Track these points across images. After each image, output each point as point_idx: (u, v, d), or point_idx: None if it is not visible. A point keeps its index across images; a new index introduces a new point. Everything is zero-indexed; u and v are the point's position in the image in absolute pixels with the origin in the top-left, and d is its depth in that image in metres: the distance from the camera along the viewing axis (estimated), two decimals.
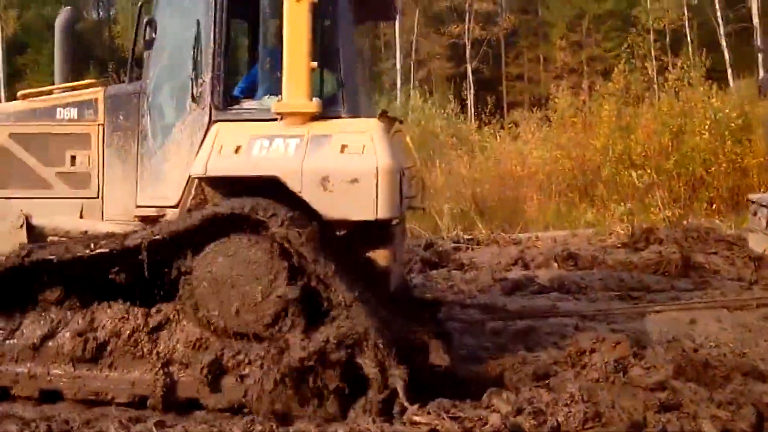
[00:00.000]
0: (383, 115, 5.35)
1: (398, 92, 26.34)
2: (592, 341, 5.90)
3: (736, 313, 7.00)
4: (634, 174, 13.17)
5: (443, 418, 4.53)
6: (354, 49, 5.54)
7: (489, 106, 22.34)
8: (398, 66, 34.99)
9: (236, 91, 5.61)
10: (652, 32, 31.26)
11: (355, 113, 5.25)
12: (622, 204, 12.70)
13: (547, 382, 5.20)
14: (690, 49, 27.54)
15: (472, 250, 11.03)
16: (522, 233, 12.33)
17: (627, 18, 33.57)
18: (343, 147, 4.93)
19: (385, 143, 4.95)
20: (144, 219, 5.28)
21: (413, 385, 4.72)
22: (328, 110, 5.16)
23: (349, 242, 5.21)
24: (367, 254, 5.20)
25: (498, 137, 19.12)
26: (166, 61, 5.46)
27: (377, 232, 5.15)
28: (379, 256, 5.20)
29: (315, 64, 5.07)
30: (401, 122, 6.20)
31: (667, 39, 31.96)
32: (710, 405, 4.62)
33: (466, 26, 37.12)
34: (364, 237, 5.17)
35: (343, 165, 4.87)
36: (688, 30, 31.81)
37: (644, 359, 5.39)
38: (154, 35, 5.41)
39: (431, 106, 18.55)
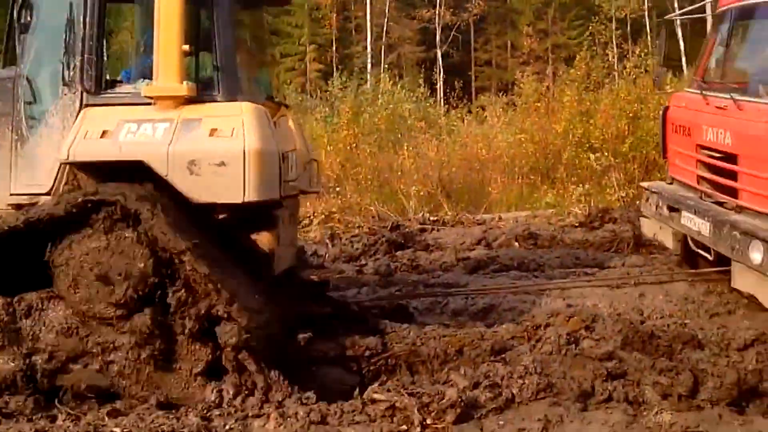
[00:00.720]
0: (270, 100, 5.32)
1: (368, 75, 26.29)
2: (547, 316, 6.12)
3: (681, 286, 7.22)
4: (592, 157, 13.40)
5: (402, 395, 4.67)
6: (234, 33, 5.39)
7: (457, 91, 22.44)
8: (368, 49, 34.94)
9: (123, 76, 5.51)
10: (614, 21, 31.61)
11: (233, 97, 5.13)
12: (580, 185, 12.93)
13: (503, 356, 5.39)
14: (649, 37, 27.89)
15: (438, 231, 11.16)
16: (486, 214, 12.51)
17: (591, 7, 33.89)
18: (213, 130, 4.89)
19: (257, 126, 4.92)
20: (18, 207, 5.12)
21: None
22: (203, 94, 5.11)
23: (231, 226, 5.17)
24: (250, 237, 5.17)
25: (465, 121, 19.26)
26: (41, 45, 5.31)
27: (259, 215, 5.15)
28: (262, 240, 5.19)
29: (187, 47, 5.01)
30: (287, 107, 6.17)
31: (628, 28, 32.33)
32: (653, 372, 4.85)
33: (437, 11, 37.12)
34: (247, 220, 5.15)
35: (210, 148, 4.84)
36: (647, 20, 32.19)
37: (594, 332, 5.60)
38: (29, 18, 5.27)
39: (401, 90, 18.60)
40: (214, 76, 5.21)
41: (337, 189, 13.27)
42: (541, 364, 5.02)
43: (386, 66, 30.94)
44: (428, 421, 4.50)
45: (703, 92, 6.86)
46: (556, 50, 39.20)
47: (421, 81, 20.49)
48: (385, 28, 37.62)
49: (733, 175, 6.28)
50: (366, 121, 16.05)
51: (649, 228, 7.84)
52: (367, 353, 5.44)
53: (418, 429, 4.41)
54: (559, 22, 40.90)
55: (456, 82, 24.21)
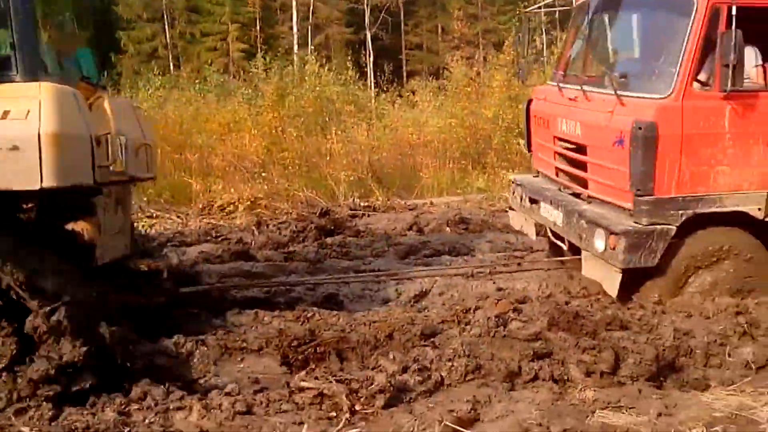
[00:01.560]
0: (86, 81, 5.21)
1: (294, 57, 26.16)
2: (477, 299, 6.34)
3: None
4: (521, 142, 13.74)
5: (330, 382, 4.76)
6: (33, 8, 5.08)
7: (387, 74, 22.58)
8: (295, 30, 34.73)
9: None
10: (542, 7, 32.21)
11: (33, 77, 4.85)
12: (510, 170, 13.29)
13: (433, 340, 5.56)
14: None
15: (369, 216, 11.31)
16: (417, 199, 12.73)
17: None
18: (6, 113, 4.65)
19: (56, 108, 4.68)
20: None
21: None
22: None
23: (45, 214, 5.08)
24: (69, 226, 5.08)
25: (396, 105, 19.44)
26: None
27: (75, 203, 5.07)
28: (81, 228, 5.11)
29: None
30: (105, 88, 6.05)
31: (557, 14, 32.98)
32: (577, 351, 5.09)
33: None
34: (64, 208, 5.07)
35: (1, 132, 4.59)
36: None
37: (522, 313, 5.84)
38: None
39: (328, 72, 18.63)
40: (11, 54, 4.90)
41: (263, 174, 13.25)
42: (469, 347, 5.21)
43: (313, 47, 30.87)
44: (357, 407, 4.61)
45: (559, 84, 7.20)
46: (486, 35, 39.81)
47: (349, 63, 20.51)
48: (311, 8, 37.45)
49: (584, 166, 6.66)
50: (292, 104, 16.03)
51: (515, 220, 8.16)
52: (295, 342, 5.53)
53: (347, 415, 4.51)
54: (489, 7, 41.53)
55: (386, 66, 24.37)
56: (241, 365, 5.35)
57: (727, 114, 5.94)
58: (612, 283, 6.12)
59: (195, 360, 5.33)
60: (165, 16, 39.71)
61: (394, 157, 14.77)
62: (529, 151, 8.26)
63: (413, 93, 20.88)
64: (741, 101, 5.94)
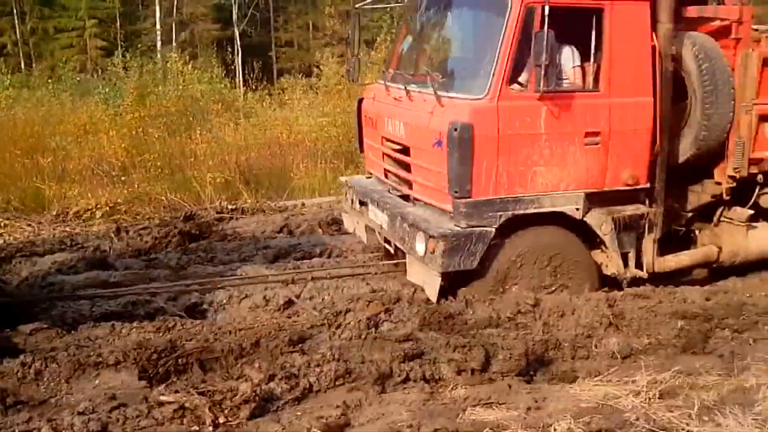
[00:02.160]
0: None
1: (158, 54, 25.39)
2: (348, 302, 6.30)
3: None
4: None
5: (192, 394, 4.62)
6: None
7: (257, 72, 22.27)
8: (158, 26, 33.72)
9: None
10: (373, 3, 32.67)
11: None
12: None
13: (302, 345, 5.47)
14: None
15: (237, 219, 11.06)
16: (288, 200, 12.56)
17: None
18: None
19: None
20: None
21: None
22: None
23: None
24: None
25: (265, 104, 19.18)
26: None
27: None
28: None
29: None
30: None
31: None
32: (448, 350, 5.14)
33: None
34: None
35: None
36: None
37: (394, 315, 5.85)
38: None
39: (192, 70, 18.14)
40: None
41: (123, 178, 12.73)
42: (339, 351, 5.17)
43: (177, 45, 30.07)
44: (221, 419, 4.48)
45: (387, 83, 7.27)
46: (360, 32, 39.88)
47: (216, 61, 20.07)
48: (175, 4, 36.47)
49: (410, 168, 6.76)
50: (153, 103, 15.50)
51: (348, 222, 8.23)
52: (155, 355, 5.31)
53: (210, 428, 4.38)
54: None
55: (255, 63, 24.01)
56: (97, 381, 5.07)
57: (543, 115, 6.11)
58: (432, 288, 6.18)
59: (45, 379, 5.02)
60: (14, 11, 37.59)
61: (264, 157, 14.52)
62: (362, 151, 8.27)
63: (284, 91, 20.69)
64: (556, 102, 6.12)
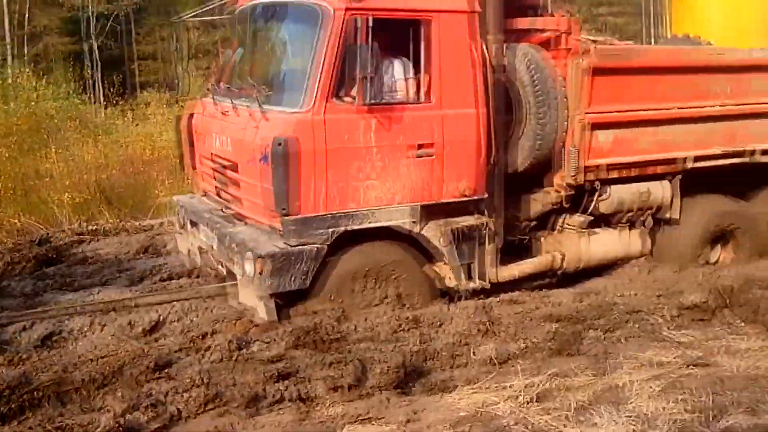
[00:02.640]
0: None
1: (8, 69, 24.09)
2: (213, 322, 6.10)
3: None
4: None
5: (48, 430, 4.38)
6: None
7: (116, 86, 21.56)
8: (7, 39, 32.03)
9: None
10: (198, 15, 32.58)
11: None
12: None
13: (168, 371, 5.23)
14: None
15: (98, 241, 10.54)
16: (153, 219, 12.12)
17: None
18: None
19: None
20: None
21: None
22: None
23: None
24: None
25: (126, 119, 18.56)
26: None
27: None
28: None
29: None
30: None
31: None
32: (322, 367, 5.04)
33: None
34: None
35: None
36: None
37: (266, 334, 5.68)
38: None
39: (45, 85, 17.28)
40: None
41: None
42: (208, 374, 4.98)
43: (30, 58, 28.71)
44: None
45: (215, 97, 7.08)
46: (225, 43, 39.40)
47: (72, 75, 19.25)
48: (27, 15, 34.80)
49: (239, 185, 6.54)
50: (2, 121, 14.65)
51: (182, 244, 7.94)
52: (6, 390, 4.93)
53: None
54: (226, 14, 41.20)
55: (115, 77, 23.25)
56: None
57: (373, 127, 6.07)
58: (266, 310, 6.00)
59: None
60: None
61: (127, 175, 14.02)
62: (183, 169, 8.06)
63: (146, 105, 20.07)
64: (386, 114, 6.11)
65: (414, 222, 6.30)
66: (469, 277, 6.64)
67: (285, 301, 6.06)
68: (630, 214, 7.41)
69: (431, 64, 6.23)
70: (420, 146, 6.27)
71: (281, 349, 5.31)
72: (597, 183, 7.09)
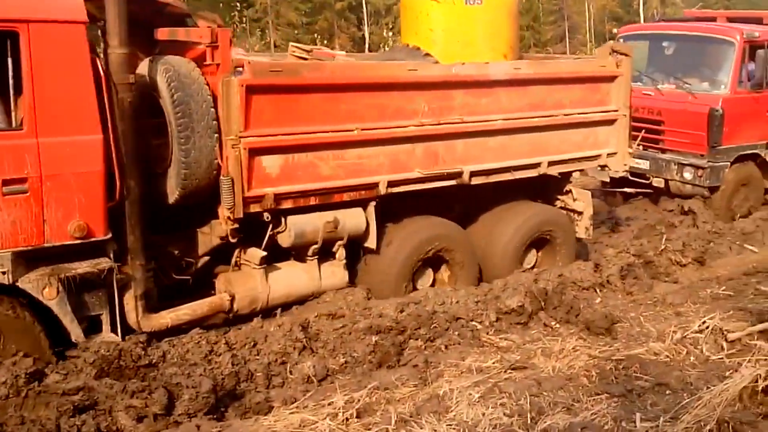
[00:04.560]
0: None
1: None
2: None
3: None
4: None
5: None
6: None
7: None
8: None
9: None
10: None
11: None
12: None
13: None
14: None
15: None
16: None
17: None
18: None
19: None
20: None
21: None
22: None
23: None
24: None
25: None
26: None
27: None
28: None
29: None
30: None
31: None
32: (125, 396, 4.81)
33: None
34: None
35: None
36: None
37: (64, 364, 5.35)
38: None
39: None
40: None
41: None
42: None
43: None
44: None
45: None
46: None
47: None
48: None
49: None
50: None
51: None
52: None
53: None
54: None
55: None
56: None
57: None
58: None
59: None
60: None
61: None
62: None
63: None
64: None
65: (4, 272, 5.33)
66: (101, 331, 5.75)
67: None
68: (316, 246, 6.73)
69: (22, 84, 5.32)
70: (7, 182, 5.29)
71: (81, 381, 4.99)
72: (267, 215, 6.34)
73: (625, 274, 7.84)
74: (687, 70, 11.42)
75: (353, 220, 6.86)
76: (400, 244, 7.21)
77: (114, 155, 5.62)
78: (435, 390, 5.32)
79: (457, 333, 6.38)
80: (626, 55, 8.41)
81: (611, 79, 8.40)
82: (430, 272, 7.58)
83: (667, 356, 5.90)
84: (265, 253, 6.52)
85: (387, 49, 23.99)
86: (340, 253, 6.95)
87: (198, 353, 5.61)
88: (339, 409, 4.95)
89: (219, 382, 5.15)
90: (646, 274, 8.08)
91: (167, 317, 6.12)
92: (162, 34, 6.43)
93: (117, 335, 5.75)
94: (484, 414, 4.85)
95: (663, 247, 8.76)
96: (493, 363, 5.80)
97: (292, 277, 6.78)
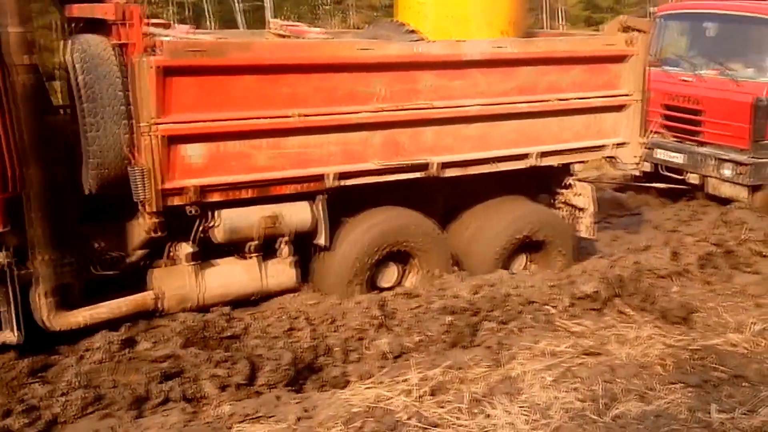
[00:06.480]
0: None
1: None
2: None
3: None
4: None
5: None
6: None
7: None
8: None
9: None
10: (174, 4, 31.97)
11: None
12: None
13: (43, 374, 5.15)
14: (210, 22, 28.92)
15: None
16: None
17: None
18: None
19: None
20: None
21: None
22: None
23: None
24: None
25: None
26: None
27: None
28: None
29: None
30: None
31: (190, 12, 32.99)
32: (210, 366, 5.00)
33: None
34: None
35: None
36: (208, 5, 33.19)
37: (153, 333, 5.60)
38: None
39: None
40: None
41: None
42: (87, 376, 4.89)
43: None
44: None
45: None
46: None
47: None
48: None
49: None
50: None
51: None
52: None
53: None
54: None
55: None
56: None
57: None
58: None
59: None
60: None
61: None
62: None
63: None
64: None
65: None
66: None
67: None
68: (255, 242, 6.21)
69: None
70: None
71: (169, 349, 5.24)
72: (193, 208, 5.84)
73: (703, 263, 7.67)
74: (731, 55, 10.33)
75: (298, 214, 6.33)
76: (354, 240, 6.63)
77: (6, 143, 5.17)
78: (508, 372, 5.33)
79: (530, 316, 6.37)
80: (642, 31, 7.47)
81: (621, 58, 7.44)
82: (394, 269, 7.04)
83: (746, 348, 5.78)
84: (193, 249, 6.09)
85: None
86: (285, 250, 6.42)
87: (279, 327, 5.77)
88: (413, 386, 5.02)
89: (298, 355, 5.28)
90: (726, 264, 7.89)
91: (81, 315, 5.66)
92: (73, 11, 6.04)
93: (13, 334, 5.31)
94: (556, 398, 4.85)
95: (744, 237, 8.55)
96: (567, 348, 5.77)
97: (229, 276, 6.27)
